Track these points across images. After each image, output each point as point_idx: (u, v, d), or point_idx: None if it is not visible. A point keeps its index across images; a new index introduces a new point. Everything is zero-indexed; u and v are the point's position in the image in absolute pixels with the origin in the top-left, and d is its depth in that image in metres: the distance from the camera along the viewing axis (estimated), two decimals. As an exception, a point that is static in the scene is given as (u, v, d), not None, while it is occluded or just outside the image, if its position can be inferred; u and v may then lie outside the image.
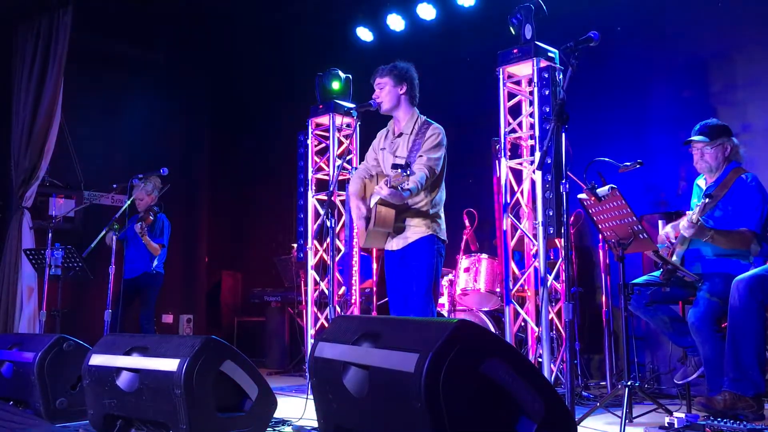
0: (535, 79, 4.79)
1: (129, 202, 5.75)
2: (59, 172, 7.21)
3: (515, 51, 4.92)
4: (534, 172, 4.84)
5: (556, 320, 4.87)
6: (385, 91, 3.86)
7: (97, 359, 3.34)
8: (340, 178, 6.03)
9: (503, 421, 2.05)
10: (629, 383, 3.54)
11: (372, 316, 5.87)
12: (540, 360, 4.66)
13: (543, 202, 4.62)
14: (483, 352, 2.05)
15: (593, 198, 3.60)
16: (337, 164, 6.05)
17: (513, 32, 5.01)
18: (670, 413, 3.31)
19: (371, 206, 3.80)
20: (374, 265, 6.19)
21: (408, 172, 3.42)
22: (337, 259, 6.05)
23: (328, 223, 3.76)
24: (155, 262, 6.12)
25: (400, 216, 3.82)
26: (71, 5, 6.71)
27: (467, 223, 5.89)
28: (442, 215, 3.91)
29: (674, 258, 3.85)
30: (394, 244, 3.88)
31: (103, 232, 5.56)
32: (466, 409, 2.00)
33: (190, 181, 8.86)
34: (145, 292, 6.13)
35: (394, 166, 3.51)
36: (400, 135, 3.90)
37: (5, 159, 6.90)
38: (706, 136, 3.91)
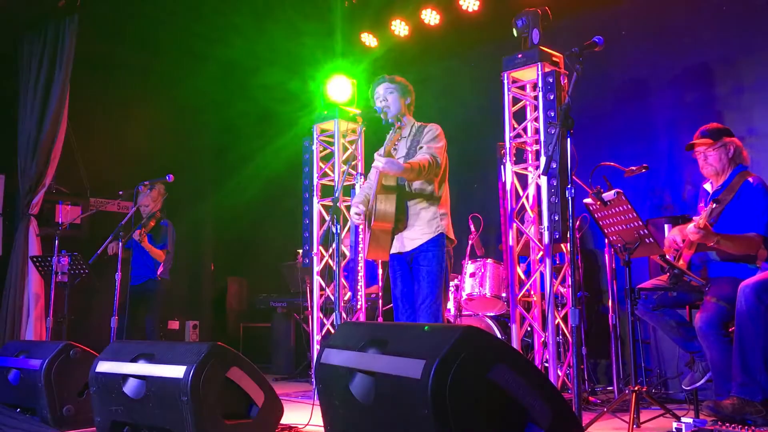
0: (540, 84, 4.79)
1: (135, 209, 5.77)
2: (66, 179, 7.24)
3: (520, 56, 4.92)
4: (539, 176, 4.84)
5: (562, 325, 4.86)
6: (393, 97, 3.95)
7: (103, 366, 3.34)
8: (345, 183, 6.05)
9: (510, 427, 2.04)
10: (636, 388, 3.53)
11: (378, 322, 5.87)
12: (546, 365, 4.65)
13: (548, 207, 4.62)
14: (490, 358, 2.04)
15: (599, 202, 3.60)
16: (342, 170, 6.06)
17: (515, 34, 5.01)
18: (678, 418, 3.30)
19: (373, 200, 3.80)
20: (379, 271, 6.19)
21: (399, 124, 3.49)
22: (342, 264, 6.05)
23: (334, 229, 3.77)
24: (160, 269, 6.13)
25: (405, 213, 3.81)
26: (77, 13, 6.74)
27: (473, 228, 5.89)
28: (449, 214, 3.92)
29: (681, 262, 3.84)
30: (401, 247, 3.86)
31: (108, 241, 5.57)
32: (473, 416, 1.99)
33: (196, 187, 8.88)
34: (150, 299, 6.15)
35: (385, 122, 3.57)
36: (399, 140, 3.94)
37: (12, 166, 6.93)
38: (708, 138, 3.92)
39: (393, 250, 3.90)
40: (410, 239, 3.82)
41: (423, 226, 3.80)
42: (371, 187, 4.02)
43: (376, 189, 3.73)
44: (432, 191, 3.84)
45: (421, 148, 3.80)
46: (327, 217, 5.98)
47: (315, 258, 6.12)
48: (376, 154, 3.77)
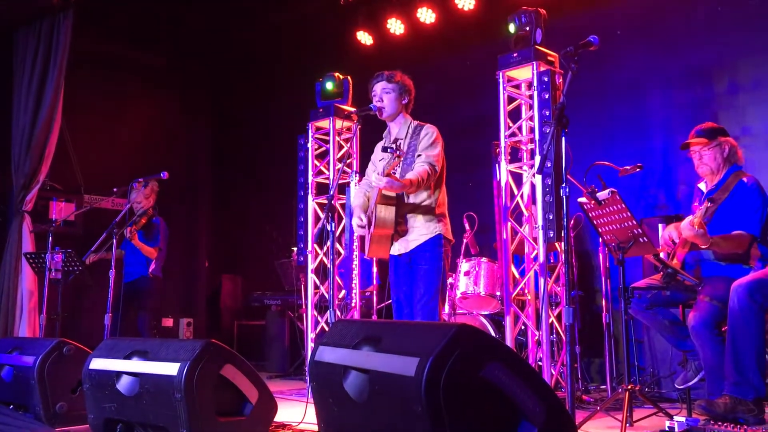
0: (535, 83, 4.79)
1: (128, 206, 5.76)
2: (60, 175, 7.21)
3: (515, 55, 4.92)
4: (534, 175, 4.84)
5: (556, 324, 4.87)
6: (390, 98, 3.92)
7: (97, 363, 3.33)
8: (340, 181, 6.03)
9: (504, 425, 2.05)
10: (630, 387, 3.54)
11: (372, 320, 5.87)
12: (540, 364, 4.65)
13: (543, 206, 4.62)
14: (483, 356, 2.04)
15: (593, 202, 3.60)
16: (337, 168, 6.05)
17: (512, 31, 4.99)
18: (671, 417, 3.31)
19: (372, 208, 3.81)
20: (374, 269, 6.18)
21: (399, 153, 3.49)
22: (337, 262, 6.05)
23: (329, 227, 3.77)
24: (152, 266, 6.12)
25: (404, 217, 3.82)
26: (72, 8, 6.72)
27: (467, 226, 5.89)
28: (447, 215, 3.92)
29: (674, 261, 3.85)
30: (400, 248, 3.87)
31: (90, 251, 5.56)
32: (467, 414, 1.99)
33: (191, 185, 8.87)
34: (142, 296, 6.13)
35: (383, 149, 3.56)
36: (395, 141, 3.93)
37: (6, 163, 6.90)
38: (703, 137, 3.93)
39: (393, 252, 3.91)
40: (409, 240, 3.84)
41: (421, 228, 3.81)
42: (370, 185, 4.02)
43: (376, 200, 3.74)
44: (429, 194, 3.84)
45: (419, 155, 3.80)
46: (322, 215, 5.99)
47: (310, 256, 6.12)
48: (374, 174, 3.73)
